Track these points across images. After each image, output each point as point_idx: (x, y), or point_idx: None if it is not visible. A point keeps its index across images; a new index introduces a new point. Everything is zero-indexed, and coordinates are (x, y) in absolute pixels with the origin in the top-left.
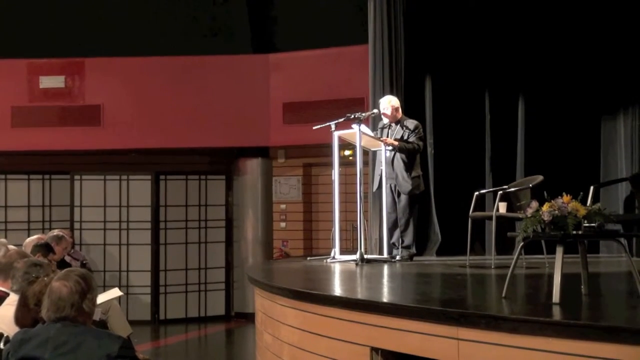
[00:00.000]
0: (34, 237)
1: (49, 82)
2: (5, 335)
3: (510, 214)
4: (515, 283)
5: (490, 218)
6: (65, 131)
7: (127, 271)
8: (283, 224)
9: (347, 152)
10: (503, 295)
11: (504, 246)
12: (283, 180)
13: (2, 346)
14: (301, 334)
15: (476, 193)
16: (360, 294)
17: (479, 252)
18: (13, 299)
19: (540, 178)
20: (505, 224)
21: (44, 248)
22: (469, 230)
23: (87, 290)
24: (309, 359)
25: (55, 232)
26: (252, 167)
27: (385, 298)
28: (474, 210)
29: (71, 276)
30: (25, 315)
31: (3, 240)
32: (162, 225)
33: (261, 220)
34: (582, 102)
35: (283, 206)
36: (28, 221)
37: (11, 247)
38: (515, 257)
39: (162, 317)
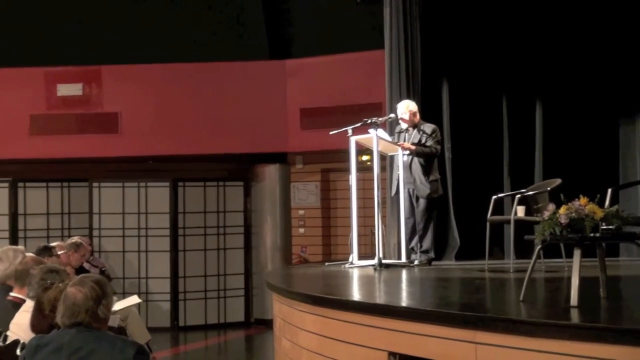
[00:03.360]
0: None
1: (66, 90)
2: (21, 341)
3: (529, 218)
4: (534, 287)
5: (508, 222)
6: (83, 139)
7: (147, 278)
8: (301, 230)
9: (364, 157)
10: (521, 298)
11: (523, 250)
12: (301, 186)
13: (19, 352)
14: (319, 339)
15: (494, 197)
16: (379, 298)
17: (497, 256)
18: (29, 305)
19: (558, 181)
20: (523, 227)
21: (44, 251)
22: (487, 235)
23: (102, 296)
24: None
25: (74, 239)
26: (270, 173)
27: (403, 303)
28: (492, 214)
29: (86, 282)
30: (41, 322)
31: (20, 247)
32: (180, 232)
33: (280, 226)
34: (600, 105)
35: (301, 212)
36: (47, 229)
37: (28, 254)
38: (532, 260)
39: (181, 323)
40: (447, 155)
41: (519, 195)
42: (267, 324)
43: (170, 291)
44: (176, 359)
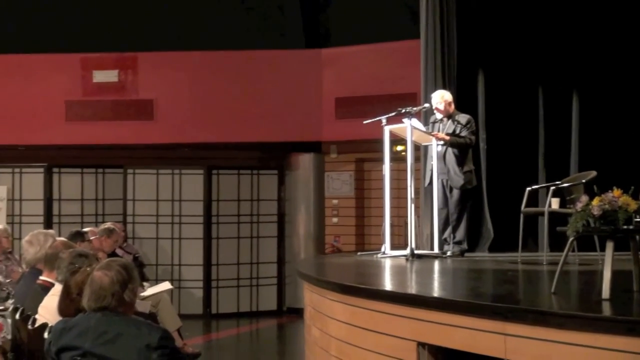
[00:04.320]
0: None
1: (102, 76)
2: (50, 325)
3: (563, 210)
4: (566, 279)
5: (542, 214)
6: (119, 125)
7: (180, 265)
8: (335, 219)
9: (399, 147)
10: (552, 290)
11: (557, 242)
12: (335, 176)
13: (46, 336)
14: (349, 329)
15: (528, 189)
16: (409, 289)
17: (531, 248)
18: (58, 289)
19: (593, 173)
20: (558, 219)
21: (77, 236)
22: (520, 226)
23: (128, 280)
24: (356, 354)
25: (107, 225)
26: (305, 162)
27: (434, 293)
28: (526, 206)
29: (112, 266)
30: (68, 305)
31: (50, 231)
32: (214, 219)
33: (313, 215)
34: (637, 97)
35: (335, 201)
36: (81, 214)
37: (59, 238)
38: (565, 252)
39: (214, 311)
40: (482, 146)
41: (553, 187)
42: (300, 313)
43: (203, 278)
44: (208, 346)
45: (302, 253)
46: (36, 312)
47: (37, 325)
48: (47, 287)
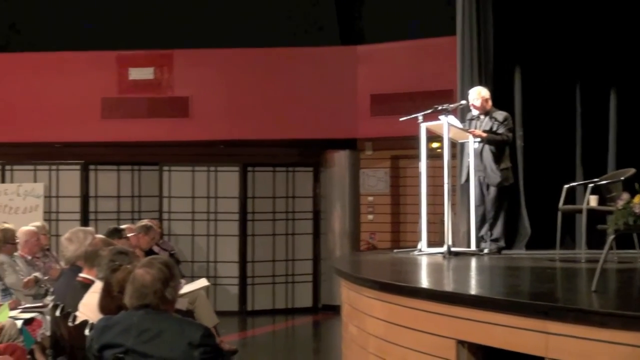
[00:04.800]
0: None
1: (138, 73)
2: (90, 322)
3: (602, 207)
4: (606, 277)
5: (580, 211)
6: (154, 122)
7: (215, 262)
8: (370, 217)
9: (434, 145)
10: (593, 289)
11: (595, 240)
12: (370, 173)
13: (87, 333)
14: (387, 326)
15: (566, 186)
16: (447, 286)
17: (569, 246)
18: (98, 286)
19: (632, 171)
20: (596, 217)
21: (114, 233)
22: (558, 224)
23: (169, 278)
24: (395, 351)
25: (144, 222)
26: (340, 159)
27: (472, 291)
28: (564, 204)
29: (154, 264)
30: (109, 303)
31: (90, 229)
32: (249, 216)
33: (348, 212)
34: None
35: (370, 198)
36: (118, 211)
37: (98, 236)
38: (605, 250)
39: (249, 308)
40: (519, 143)
41: (591, 185)
42: (335, 310)
43: (239, 275)
44: (244, 343)
45: (338, 250)
46: (76, 309)
47: (77, 322)
48: (87, 284)
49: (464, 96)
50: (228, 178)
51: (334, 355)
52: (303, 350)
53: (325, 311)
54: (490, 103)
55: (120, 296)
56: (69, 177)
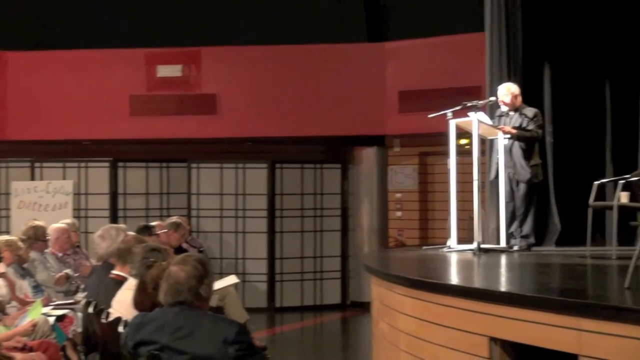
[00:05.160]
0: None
1: (166, 71)
2: (123, 319)
3: (633, 204)
4: (639, 274)
5: (611, 208)
6: (182, 120)
7: (244, 259)
8: (398, 213)
9: (463, 141)
10: (626, 286)
11: (626, 237)
12: (398, 169)
13: (121, 330)
14: (418, 323)
15: (596, 182)
16: (478, 283)
17: (599, 242)
18: (131, 283)
19: None
20: (626, 214)
21: (144, 230)
22: (589, 220)
23: (204, 275)
24: (427, 348)
25: (174, 219)
26: (368, 156)
27: (503, 288)
28: (594, 200)
29: (189, 261)
30: (144, 300)
31: (122, 226)
32: (278, 213)
33: (376, 209)
34: None
35: (398, 195)
36: (146, 208)
37: (129, 233)
38: (638, 247)
39: (277, 304)
40: (549, 139)
41: (622, 181)
42: (363, 307)
43: (267, 272)
44: (272, 339)
45: (366, 247)
46: (109, 306)
47: (111, 319)
48: (119, 281)
49: (493, 92)
50: (256, 175)
51: (363, 352)
52: (331, 347)
53: (353, 308)
54: (519, 99)
55: (154, 293)
56: (98, 175)
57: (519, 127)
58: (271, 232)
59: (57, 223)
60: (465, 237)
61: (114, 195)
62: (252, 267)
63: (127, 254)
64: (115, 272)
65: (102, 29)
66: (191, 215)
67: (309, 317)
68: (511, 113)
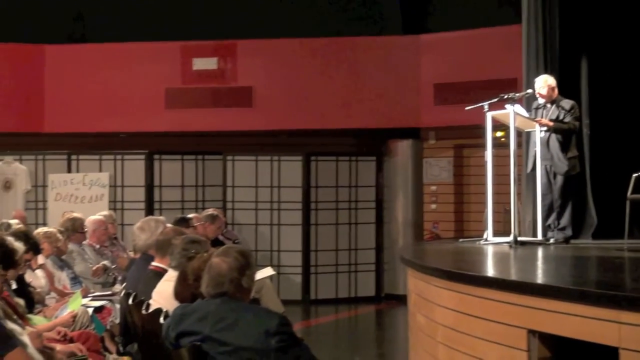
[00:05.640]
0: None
1: (202, 64)
2: (164, 310)
3: None
4: None
5: None
6: (218, 112)
7: (279, 251)
8: (433, 206)
9: (499, 134)
10: None
11: None
12: (434, 162)
13: (162, 321)
14: (456, 316)
15: (635, 175)
16: (515, 275)
17: (637, 235)
18: (171, 275)
19: None
20: None
21: (182, 222)
22: (626, 213)
23: (245, 267)
24: (464, 341)
25: (210, 211)
26: (403, 148)
27: (541, 280)
28: (632, 193)
29: (230, 252)
30: (185, 291)
31: (161, 218)
32: (312, 206)
33: (411, 201)
34: None
35: (433, 188)
36: (182, 200)
37: (168, 225)
38: None
39: (312, 297)
40: (586, 131)
41: None
42: (398, 299)
43: (302, 264)
44: (307, 332)
45: (401, 239)
46: (149, 297)
47: (151, 310)
48: (159, 273)
49: (529, 85)
50: (291, 167)
51: (398, 345)
52: (366, 339)
53: (388, 300)
54: (556, 91)
55: (195, 284)
56: (134, 167)
57: (556, 120)
58: (306, 224)
59: (95, 215)
60: (500, 229)
61: (149, 187)
62: (287, 260)
63: (167, 245)
64: (154, 263)
65: (138, 22)
66: (226, 207)
67: (344, 310)
68: (548, 105)
